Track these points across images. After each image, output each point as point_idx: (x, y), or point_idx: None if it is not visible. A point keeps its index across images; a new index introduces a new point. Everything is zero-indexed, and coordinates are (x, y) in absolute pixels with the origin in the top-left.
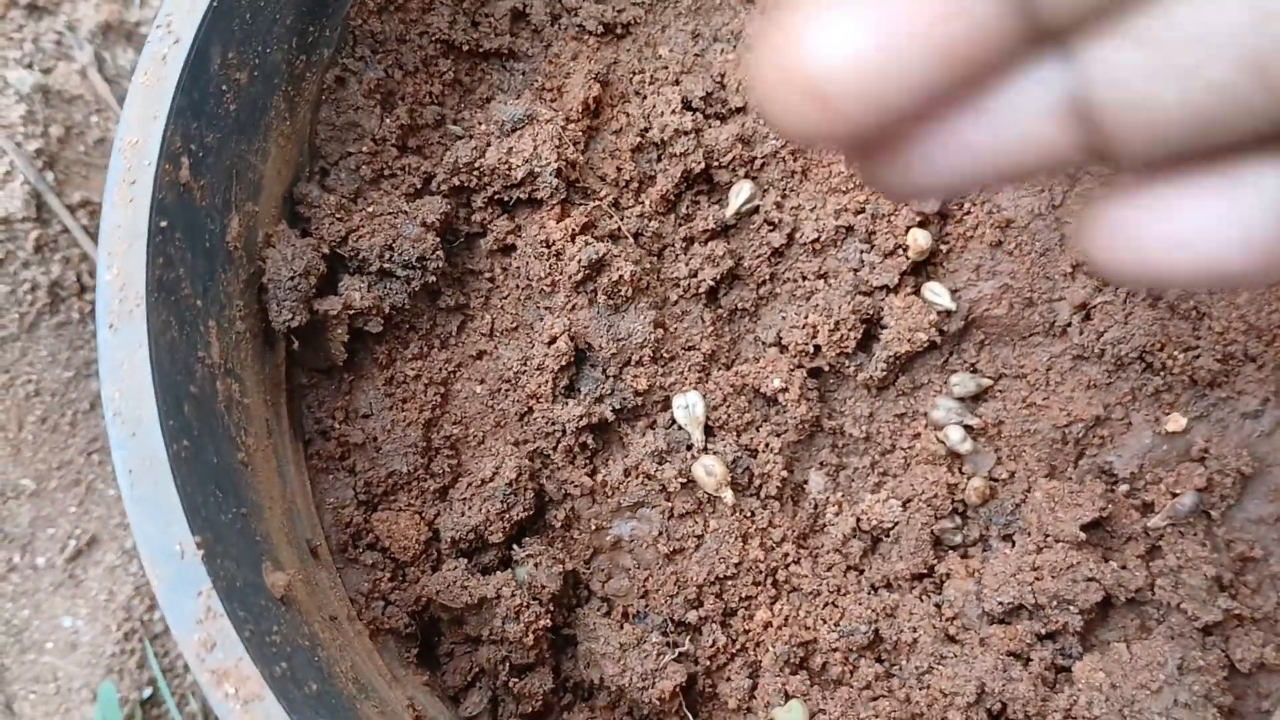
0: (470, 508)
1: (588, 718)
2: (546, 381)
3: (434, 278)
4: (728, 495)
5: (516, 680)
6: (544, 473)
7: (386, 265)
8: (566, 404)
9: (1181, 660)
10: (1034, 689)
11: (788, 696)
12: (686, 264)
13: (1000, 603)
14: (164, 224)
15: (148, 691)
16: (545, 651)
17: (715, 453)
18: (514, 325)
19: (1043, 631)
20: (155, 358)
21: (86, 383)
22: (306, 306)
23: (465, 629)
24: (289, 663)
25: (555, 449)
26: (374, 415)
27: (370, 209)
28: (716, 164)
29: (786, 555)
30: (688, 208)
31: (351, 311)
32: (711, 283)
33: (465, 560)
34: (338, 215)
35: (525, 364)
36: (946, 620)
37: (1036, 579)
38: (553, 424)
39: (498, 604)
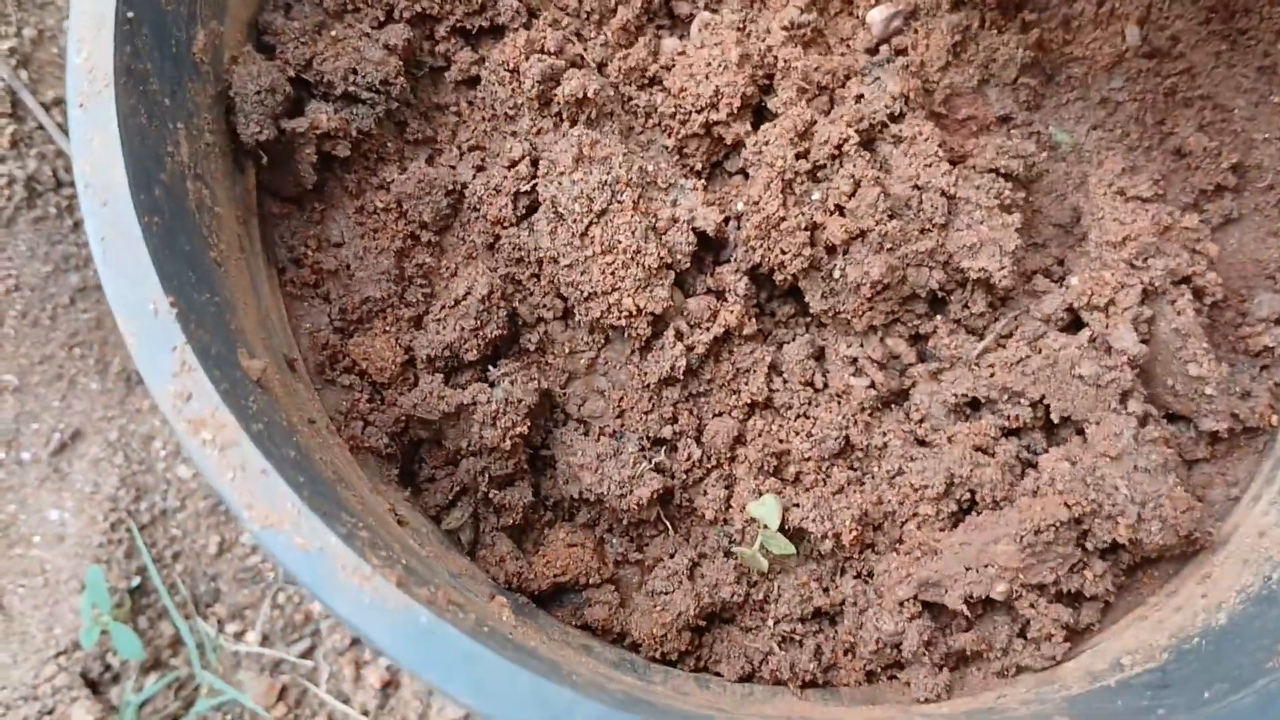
0: (444, 326)
1: (569, 532)
2: (506, 204)
3: (399, 104)
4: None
5: (497, 493)
6: (516, 295)
7: (351, 89)
8: (531, 230)
9: (1138, 431)
10: (1000, 474)
11: (762, 496)
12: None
13: (956, 394)
14: (130, 15)
15: (136, 581)
16: (524, 464)
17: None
18: (480, 156)
19: (1006, 427)
20: (125, 138)
21: (65, 277)
22: (274, 123)
23: (445, 445)
24: (266, 427)
25: (525, 276)
26: (346, 244)
27: (334, 35)
28: None
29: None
30: (649, 40)
31: (318, 131)
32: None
33: (442, 377)
34: (302, 41)
35: (487, 189)
36: (915, 424)
37: (991, 375)
38: (518, 249)
39: (474, 410)
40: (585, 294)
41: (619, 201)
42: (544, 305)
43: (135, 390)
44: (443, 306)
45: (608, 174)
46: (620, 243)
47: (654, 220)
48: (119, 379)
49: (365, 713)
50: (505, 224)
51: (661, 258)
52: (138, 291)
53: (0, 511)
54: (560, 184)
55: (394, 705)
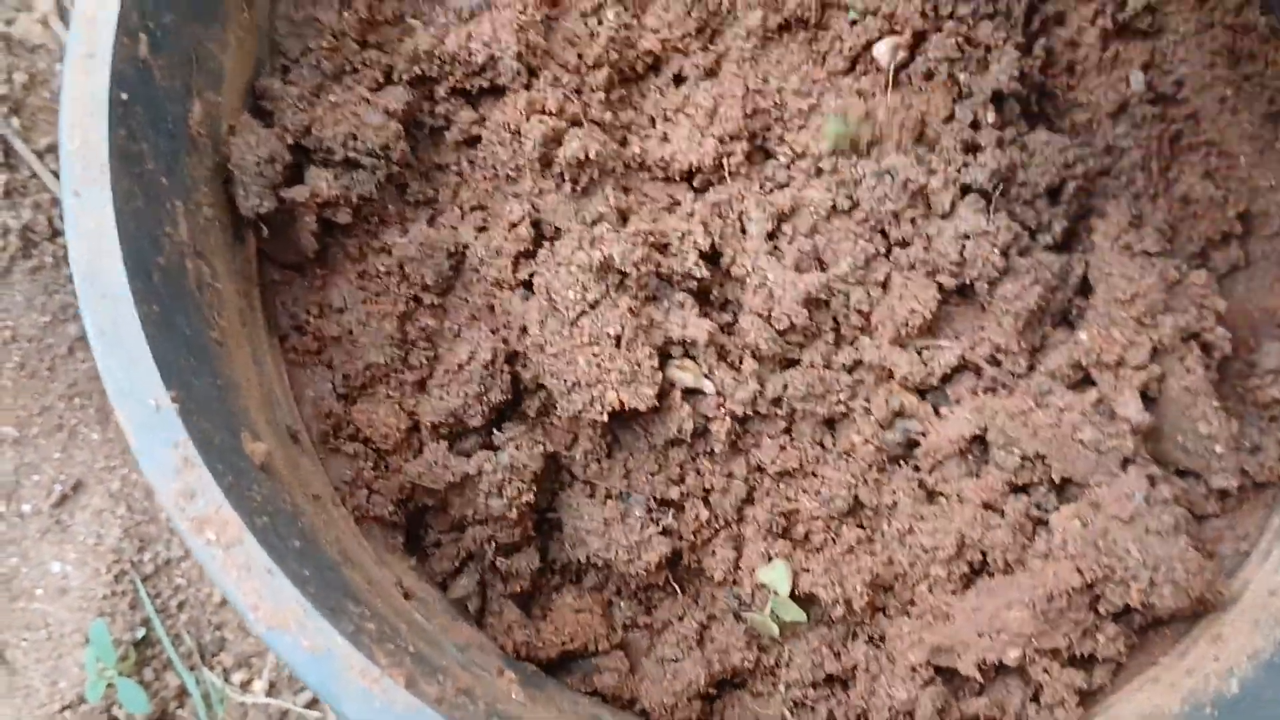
0: (448, 393)
1: (576, 597)
2: (506, 266)
3: (399, 168)
4: (707, 385)
5: (504, 560)
6: (518, 359)
7: (351, 154)
8: (527, 298)
9: (1149, 492)
10: (1012, 536)
11: (771, 560)
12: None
13: (964, 435)
14: (124, 96)
15: (141, 632)
16: (530, 530)
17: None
18: (482, 216)
19: (1016, 482)
20: (121, 224)
21: (64, 327)
22: (274, 193)
23: (450, 513)
24: (271, 519)
25: (522, 340)
26: (349, 309)
27: (333, 99)
28: (674, 47)
29: (763, 432)
30: (653, 94)
31: (319, 200)
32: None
33: (447, 444)
34: (300, 107)
35: (488, 250)
36: (925, 473)
37: (992, 420)
38: (510, 316)
39: (480, 480)
40: (569, 385)
41: (612, 298)
42: (546, 370)
43: None
44: (446, 371)
45: (606, 269)
46: (609, 335)
47: (647, 320)
48: (120, 429)
49: None
50: (505, 286)
51: (649, 356)
52: (137, 386)
53: (2, 565)
54: (557, 273)
55: None
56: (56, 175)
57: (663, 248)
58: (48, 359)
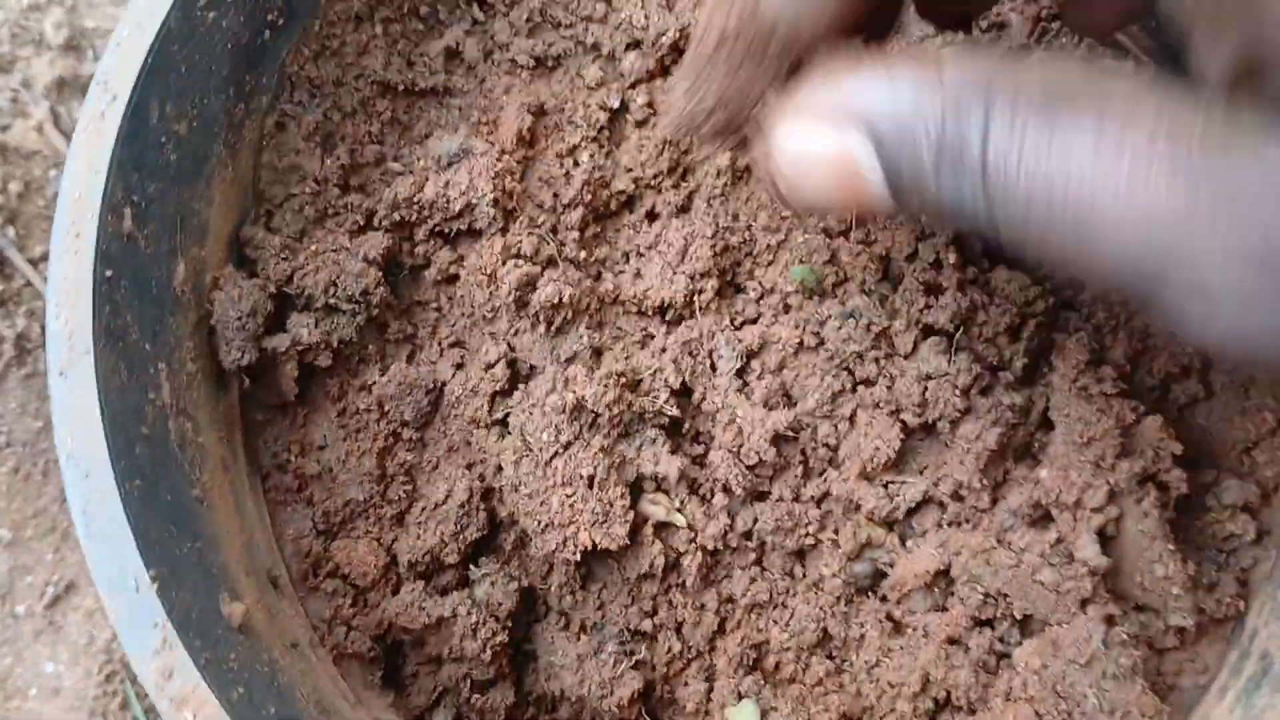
0: (425, 530)
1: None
2: (482, 406)
3: (379, 310)
4: (679, 519)
5: (479, 696)
6: (494, 495)
7: (332, 301)
8: (502, 436)
9: (1106, 634)
10: (974, 676)
11: (741, 696)
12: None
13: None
14: (109, 274)
15: None
16: (506, 667)
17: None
18: (460, 353)
19: (980, 617)
20: (105, 402)
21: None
22: (256, 345)
23: (426, 649)
24: (246, 687)
25: (497, 477)
26: (329, 446)
27: (314, 247)
28: (647, 185)
29: (734, 564)
30: (627, 230)
31: (300, 347)
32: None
33: (424, 583)
34: (283, 255)
35: (464, 389)
36: (892, 604)
37: (956, 556)
38: (485, 453)
39: (455, 623)
40: (542, 525)
41: (585, 438)
42: (519, 509)
43: None
44: (423, 509)
45: (579, 410)
46: (581, 476)
47: (619, 458)
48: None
49: None
50: (481, 424)
51: (622, 496)
52: (119, 566)
53: None
54: (531, 414)
55: None
56: None
57: (635, 385)
58: (41, 463)
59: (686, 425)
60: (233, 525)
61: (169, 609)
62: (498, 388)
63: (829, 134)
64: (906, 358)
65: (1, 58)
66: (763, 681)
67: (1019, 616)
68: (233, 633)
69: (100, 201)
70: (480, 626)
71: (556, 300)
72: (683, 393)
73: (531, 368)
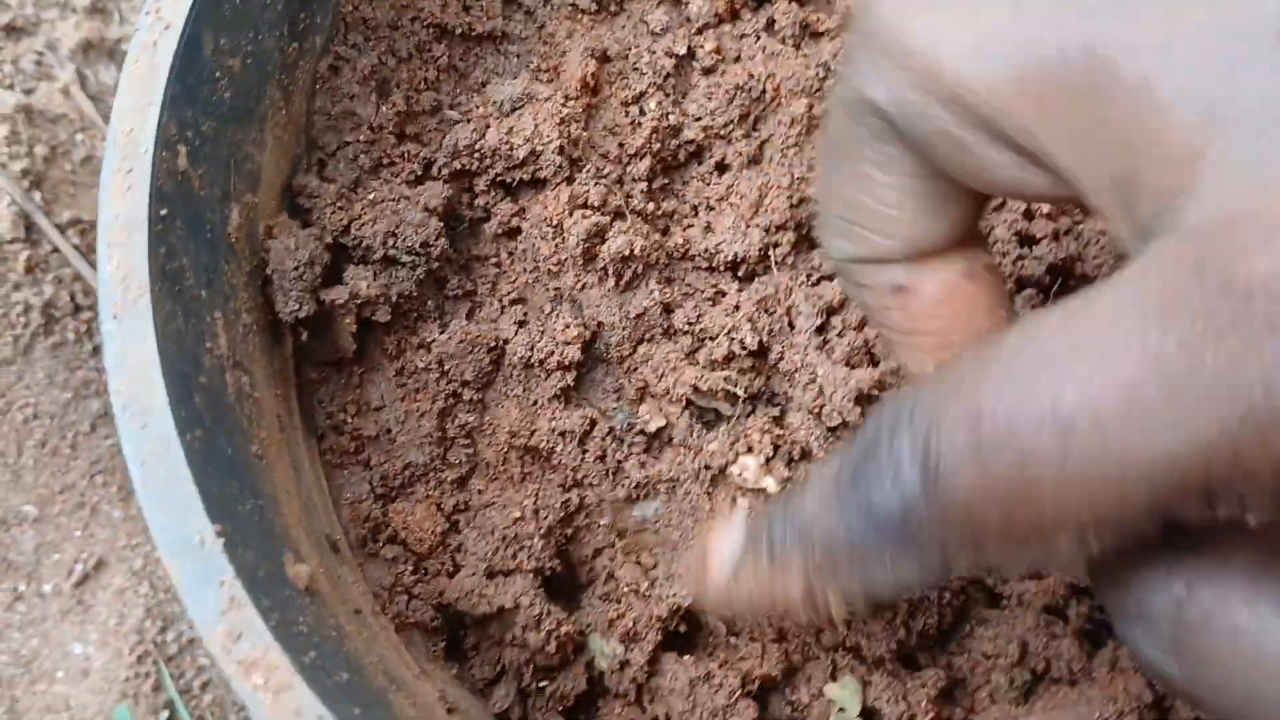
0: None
1: (625, 705)
2: (555, 387)
3: (439, 264)
4: (770, 484)
5: (546, 682)
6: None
7: (391, 252)
8: (570, 408)
9: None
10: (1077, 646)
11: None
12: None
13: None
14: (164, 212)
15: (164, 716)
16: (571, 653)
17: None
18: (522, 310)
19: (1078, 584)
20: (162, 348)
21: (85, 404)
22: (313, 297)
23: (489, 630)
24: (317, 652)
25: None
26: (386, 407)
27: (371, 197)
28: (716, 135)
29: None
30: (696, 182)
31: (359, 300)
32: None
33: (485, 568)
34: (338, 205)
35: (532, 351)
36: (982, 573)
37: None
38: (555, 433)
39: (516, 614)
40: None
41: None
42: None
43: None
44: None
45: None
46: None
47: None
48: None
49: None
50: (550, 402)
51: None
52: (182, 523)
53: (22, 647)
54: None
55: None
56: (79, 250)
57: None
58: (69, 436)
59: (763, 386)
60: (291, 486)
61: (236, 567)
62: (571, 357)
63: None
64: None
65: (26, 20)
66: (858, 659)
67: None
68: (299, 595)
69: (154, 136)
70: (544, 618)
71: (628, 252)
72: (759, 353)
73: (600, 325)
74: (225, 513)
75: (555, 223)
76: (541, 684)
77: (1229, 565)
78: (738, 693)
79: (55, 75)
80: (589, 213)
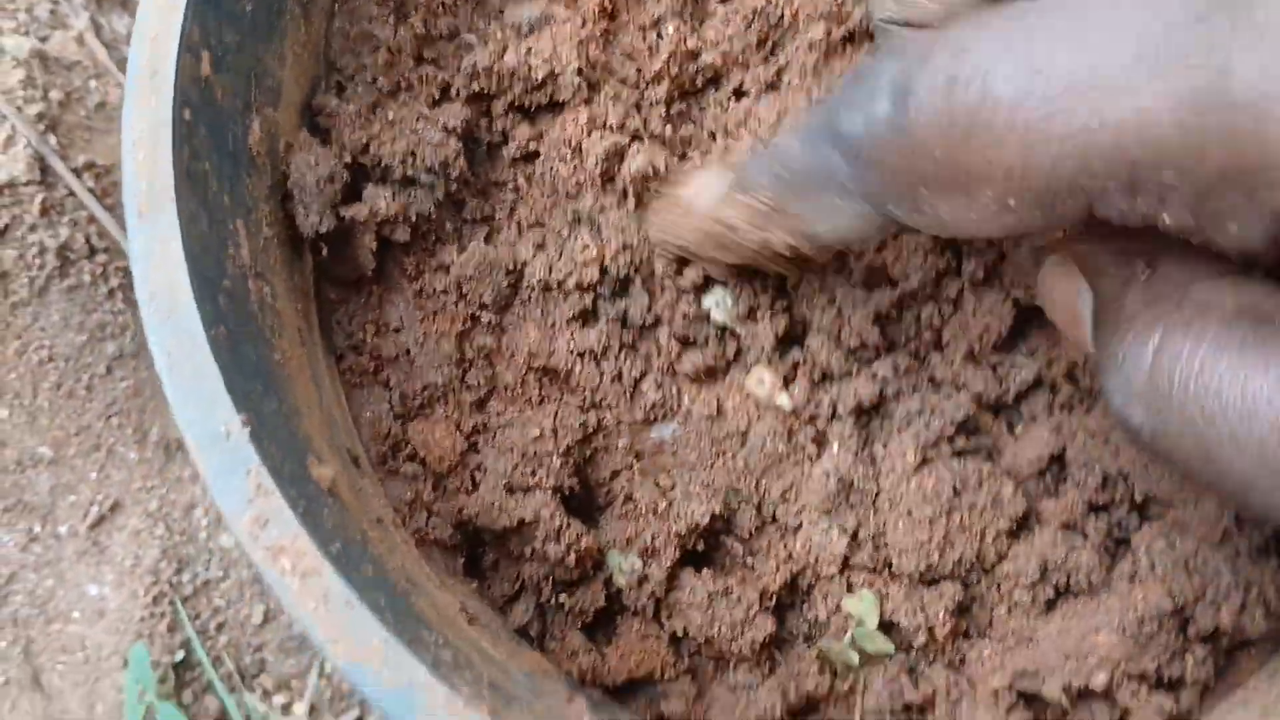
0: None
1: (643, 623)
2: (573, 308)
3: (458, 185)
4: (784, 401)
5: (565, 596)
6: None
7: (410, 172)
8: (588, 328)
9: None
10: (1097, 558)
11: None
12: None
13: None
14: (187, 116)
15: (179, 655)
16: (592, 569)
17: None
18: (540, 233)
19: (1095, 501)
20: (187, 246)
21: (101, 346)
22: (333, 212)
23: (508, 546)
24: (343, 545)
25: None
26: (405, 328)
27: (390, 117)
28: (734, 60)
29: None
30: (713, 108)
31: (378, 218)
32: None
33: (505, 485)
34: (358, 124)
35: (550, 273)
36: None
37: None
38: (573, 353)
39: (536, 526)
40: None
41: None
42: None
43: (175, 459)
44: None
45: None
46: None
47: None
48: (158, 448)
49: None
50: (570, 323)
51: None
52: (208, 414)
53: (38, 587)
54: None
55: None
56: (94, 193)
57: None
58: (85, 379)
59: (783, 308)
60: (312, 398)
61: (262, 457)
62: (590, 278)
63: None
64: None
65: None
66: (875, 574)
67: (1138, 500)
68: (324, 495)
69: (178, 40)
70: (564, 530)
71: (648, 172)
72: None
73: (624, 246)
74: (250, 408)
75: (574, 144)
76: (561, 599)
77: (1202, 322)
78: (755, 607)
79: (70, 23)
80: (608, 133)
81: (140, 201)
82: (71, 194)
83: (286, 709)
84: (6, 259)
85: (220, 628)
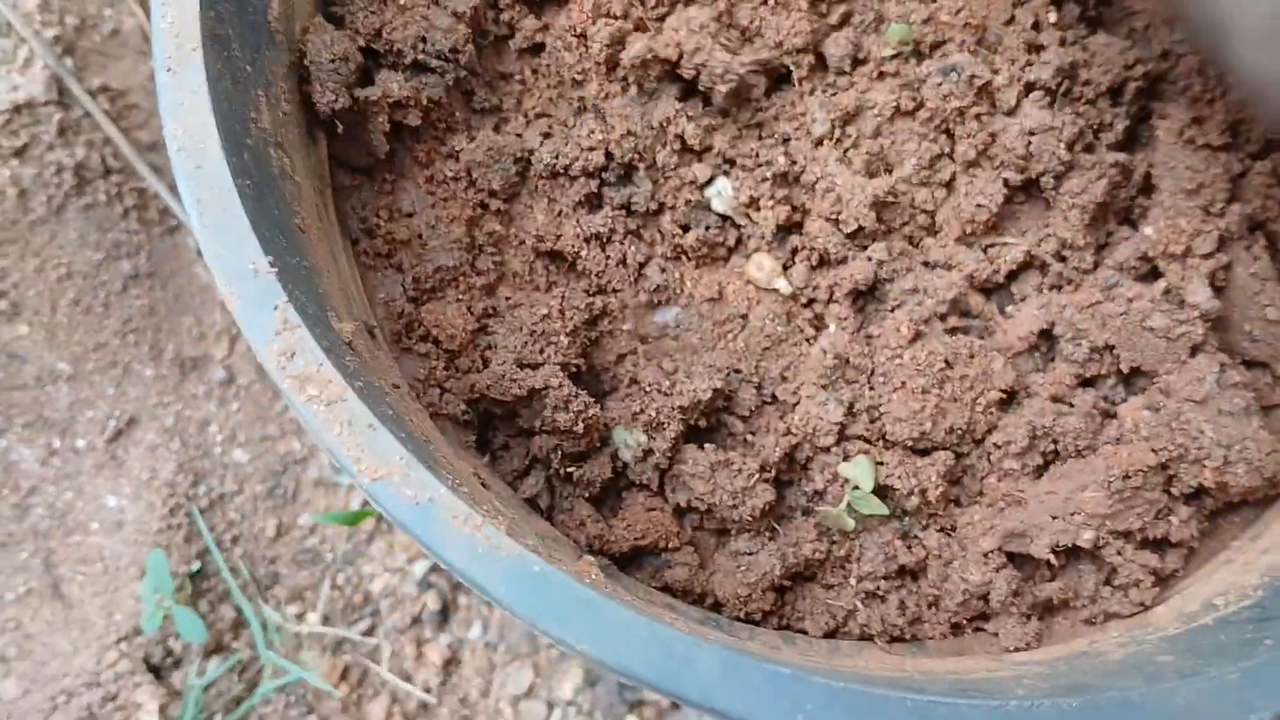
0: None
1: (648, 496)
2: (579, 192)
3: (466, 74)
4: (783, 285)
5: (574, 468)
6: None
7: (420, 57)
8: (594, 213)
9: (1220, 376)
10: (1084, 423)
11: (849, 457)
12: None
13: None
14: None
15: (196, 566)
16: (598, 440)
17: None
18: (547, 123)
19: (1084, 374)
20: (214, 101)
21: (117, 265)
22: (348, 91)
23: (518, 422)
24: (365, 385)
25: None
26: (417, 213)
27: (402, 2)
28: None
29: (832, 328)
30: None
31: (390, 100)
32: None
33: (515, 358)
34: (371, 9)
35: (557, 159)
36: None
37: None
38: (579, 238)
39: (546, 395)
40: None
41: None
42: (611, 286)
43: (189, 376)
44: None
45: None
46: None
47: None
48: (173, 365)
49: (427, 690)
50: (577, 208)
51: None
52: (237, 252)
53: (57, 499)
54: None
55: (456, 682)
56: (109, 115)
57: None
58: (102, 295)
59: (784, 196)
60: (331, 268)
61: (288, 294)
62: (596, 163)
63: None
64: (1009, 114)
65: None
66: (870, 444)
67: (1125, 370)
68: (344, 346)
69: None
70: (572, 399)
71: (649, 57)
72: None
73: (628, 131)
74: (275, 255)
75: (579, 30)
76: (569, 470)
77: None
78: (755, 476)
79: None
80: (611, 20)
81: (168, 58)
82: (87, 115)
83: (300, 619)
84: (25, 177)
85: (235, 540)
